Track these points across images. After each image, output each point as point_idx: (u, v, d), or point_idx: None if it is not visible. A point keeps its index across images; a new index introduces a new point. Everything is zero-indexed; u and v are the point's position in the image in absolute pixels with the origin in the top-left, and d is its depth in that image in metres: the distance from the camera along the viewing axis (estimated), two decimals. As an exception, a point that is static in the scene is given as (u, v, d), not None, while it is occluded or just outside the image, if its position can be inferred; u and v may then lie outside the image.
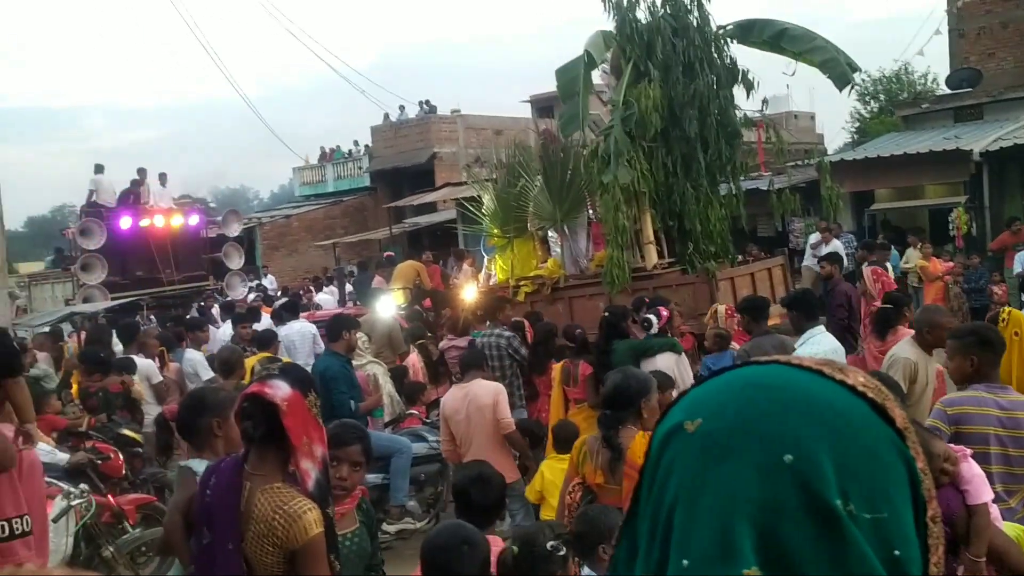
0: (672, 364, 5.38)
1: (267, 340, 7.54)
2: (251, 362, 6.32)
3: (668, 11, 10.07)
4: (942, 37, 19.55)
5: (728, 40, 10.38)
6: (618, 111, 9.51)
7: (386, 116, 29.76)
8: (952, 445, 2.98)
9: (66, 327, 11.50)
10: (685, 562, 0.68)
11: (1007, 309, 5.71)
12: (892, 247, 12.56)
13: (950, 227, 14.14)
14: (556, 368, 6.10)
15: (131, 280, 18.82)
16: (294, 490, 2.46)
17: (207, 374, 7.27)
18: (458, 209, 20.97)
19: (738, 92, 10.52)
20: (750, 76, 10.37)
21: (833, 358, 4.08)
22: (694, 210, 9.98)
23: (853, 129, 37.38)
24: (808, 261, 13.81)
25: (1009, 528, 2.82)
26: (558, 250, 10.71)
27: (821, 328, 5.29)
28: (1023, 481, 3.47)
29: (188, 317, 11.03)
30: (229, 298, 16.97)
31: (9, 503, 2.72)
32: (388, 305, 9.61)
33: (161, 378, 7.52)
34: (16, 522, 2.78)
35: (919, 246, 12.58)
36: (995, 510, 2.84)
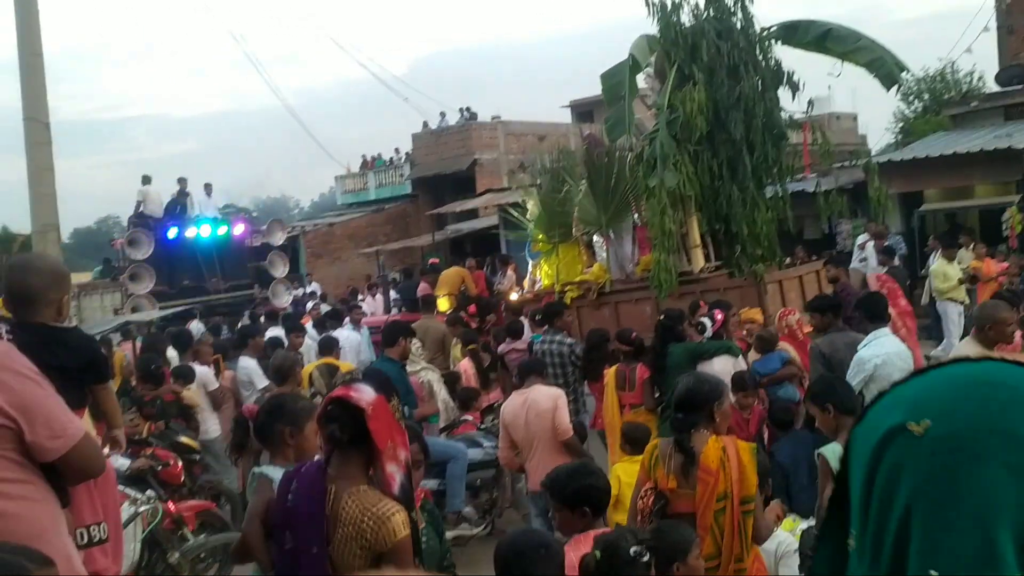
0: (730, 367, 5.35)
1: (329, 346, 7.63)
2: (310, 368, 6.40)
3: (712, 13, 10.02)
4: (989, 34, 19.22)
5: (772, 41, 10.30)
6: (663, 115, 9.47)
7: (425, 124, 29.97)
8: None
9: (115, 336, 11.76)
10: (934, 572, 0.67)
11: None
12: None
13: (1003, 227, 13.85)
14: (609, 373, 6.08)
15: (178, 289, 19.17)
16: (380, 492, 2.49)
17: (262, 382, 7.37)
18: (500, 215, 21.07)
19: (783, 94, 10.46)
20: (795, 78, 10.29)
21: (895, 360, 4.03)
22: (740, 213, 9.90)
23: (897, 130, 36.81)
24: (856, 263, 13.62)
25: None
26: (603, 255, 10.70)
27: (886, 330, 5.24)
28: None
29: (242, 325, 11.22)
30: (273, 306, 17.19)
31: (87, 510, 2.78)
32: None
33: (217, 385, 7.65)
34: (94, 529, 2.84)
35: (971, 246, 12.35)
36: None
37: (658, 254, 9.26)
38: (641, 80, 10.30)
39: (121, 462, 6.16)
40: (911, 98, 36.07)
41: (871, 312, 5.26)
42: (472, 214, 25.24)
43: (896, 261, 13.44)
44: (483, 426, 6.70)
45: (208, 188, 21.23)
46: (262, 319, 12.85)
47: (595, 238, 10.81)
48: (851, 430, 0.79)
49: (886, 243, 13.69)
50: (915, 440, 0.71)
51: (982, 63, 35.90)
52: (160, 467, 6.14)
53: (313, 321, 11.56)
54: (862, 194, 14.07)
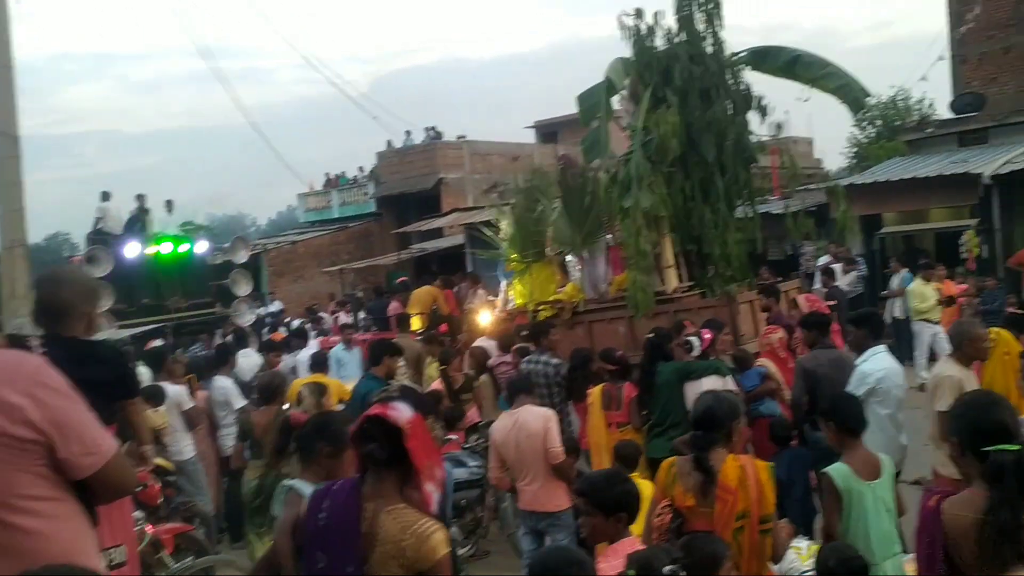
0: (719, 387, 5.40)
1: (320, 363, 7.55)
2: (298, 384, 6.33)
3: (684, 38, 10.20)
4: (942, 63, 19.83)
5: (742, 66, 10.52)
6: (638, 136, 9.59)
7: (389, 143, 29.94)
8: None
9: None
10: None
11: (995, 330, 5.86)
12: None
13: (961, 250, 14.24)
14: (595, 392, 6.10)
15: (137, 308, 18.77)
16: (418, 511, 2.48)
17: (239, 402, 7.26)
18: (468, 234, 21.08)
19: (751, 117, 10.66)
20: (763, 102, 10.51)
21: (893, 376, 4.14)
22: (713, 234, 10.04)
23: (851, 154, 37.75)
24: (818, 285, 13.90)
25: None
26: (577, 274, 10.76)
27: (883, 347, 5.36)
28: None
29: (220, 344, 11.05)
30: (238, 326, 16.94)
31: (106, 532, 2.69)
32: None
33: (191, 404, 7.51)
34: (113, 552, 2.76)
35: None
36: None
37: (634, 274, 9.32)
38: (615, 102, 10.44)
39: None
40: (865, 124, 37.07)
41: (871, 329, 5.40)
42: (437, 233, 25.25)
43: (841, 282, 13.78)
44: (467, 445, 6.67)
45: (169, 205, 20.90)
46: (228, 338, 12.68)
47: (569, 258, 10.86)
48: None
49: (833, 264, 14.10)
50: None
51: (934, 91, 37.03)
52: (138, 489, 6.01)
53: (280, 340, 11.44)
54: (823, 216, 14.41)
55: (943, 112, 22.05)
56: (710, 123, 9.91)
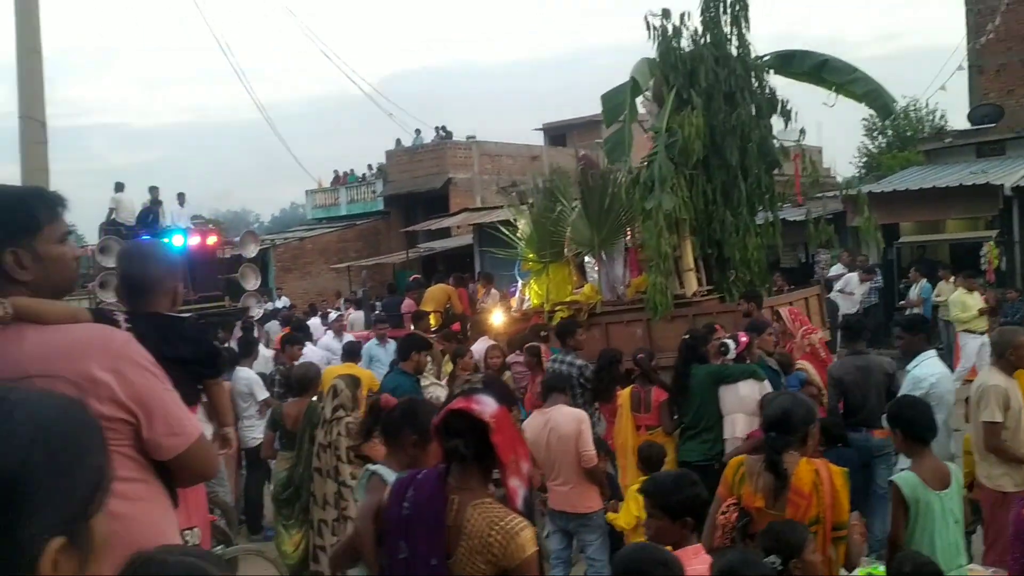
0: (756, 393, 5.30)
1: (352, 352, 7.47)
2: (333, 372, 6.23)
3: (709, 40, 10.12)
4: (960, 74, 19.74)
5: (767, 70, 10.43)
6: (662, 138, 9.50)
7: (398, 142, 29.86)
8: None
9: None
10: None
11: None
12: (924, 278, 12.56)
13: (981, 261, 14.14)
14: (624, 393, 6.00)
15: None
16: (505, 507, 2.39)
17: (262, 393, 7.17)
18: (477, 234, 21.00)
19: (774, 122, 10.57)
20: (788, 106, 10.42)
21: (945, 381, 4.04)
22: (733, 238, 9.96)
23: (861, 164, 37.68)
24: (834, 294, 13.79)
25: None
26: (595, 276, 10.66)
27: (933, 353, 5.27)
28: None
29: (244, 335, 10.98)
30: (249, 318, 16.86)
31: (181, 514, 2.56)
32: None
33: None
34: (187, 534, 2.64)
35: (951, 280, 12.54)
36: None
37: (654, 276, 9.24)
38: (639, 104, 10.35)
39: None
40: (875, 133, 36.99)
41: (923, 334, 5.33)
42: (445, 233, 25.17)
43: (856, 291, 13.67)
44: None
45: (181, 198, 20.85)
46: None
47: (587, 259, 10.77)
48: None
49: (848, 274, 13.98)
50: None
51: (949, 102, 36.97)
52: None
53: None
54: (839, 224, 14.30)
55: (956, 123, 21.99)
56: (734, 126, 9.83)
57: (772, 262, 14.65)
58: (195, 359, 2.77)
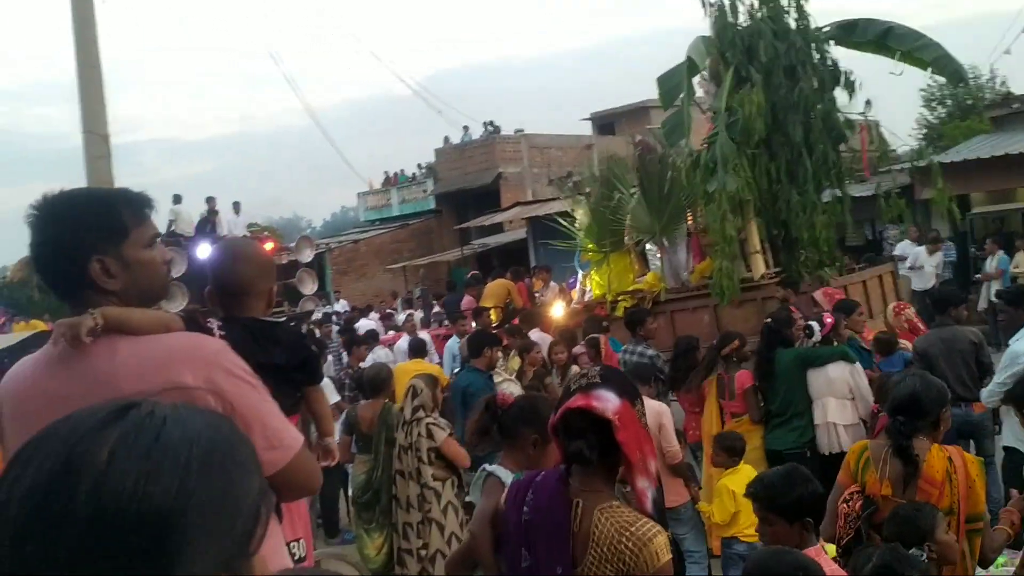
0: (846, 375, 5.06)
1: (419, 348, 7.41)
2: (408, 371, 6.14)
3: (766, 13, 9.80)
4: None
5: (828, 41, 10.07)
6: (722, 118, 9.23)
7: (447, 139, 29.85)
8: None
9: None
10: None
11: None
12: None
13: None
14: (711, 381, 5.78)
15: (211, 308, 18.98)
16: (635, 511, 2.22)
17: (334, 396, 7.13)
18: (531, 227, 20.86)
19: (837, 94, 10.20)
20: (852, 78, 10.04)
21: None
22: (800, 218, 9.64)
23: (920, 136, 36.50)
24: (904, 271, 13.31)
25: None
26: (657, 263, 10.44)
27: None
28: None
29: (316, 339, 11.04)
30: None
31: (287, 526, 2.45)
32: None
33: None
34: (293, 546, 2.52)
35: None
36: None
37: (720, 261, 8.99)
38: (695, 84, 10.08)
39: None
40: (934, 104, 35.79)
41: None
42: (497, 228, 25.06)
43: (927, 264, 13.16)
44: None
45: (236, 206, 21.16)
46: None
47: (648, 246, 10.54)
48: None
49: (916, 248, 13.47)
50: None
51: (1012, 66, 35.62)
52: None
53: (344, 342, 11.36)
54: (907, 199, 13.76)
55: (1019, 88, 21.10)
56: (796, 102, 9.50)
57: (838, 240, 14.22)
58: (292, 365, 2.58)
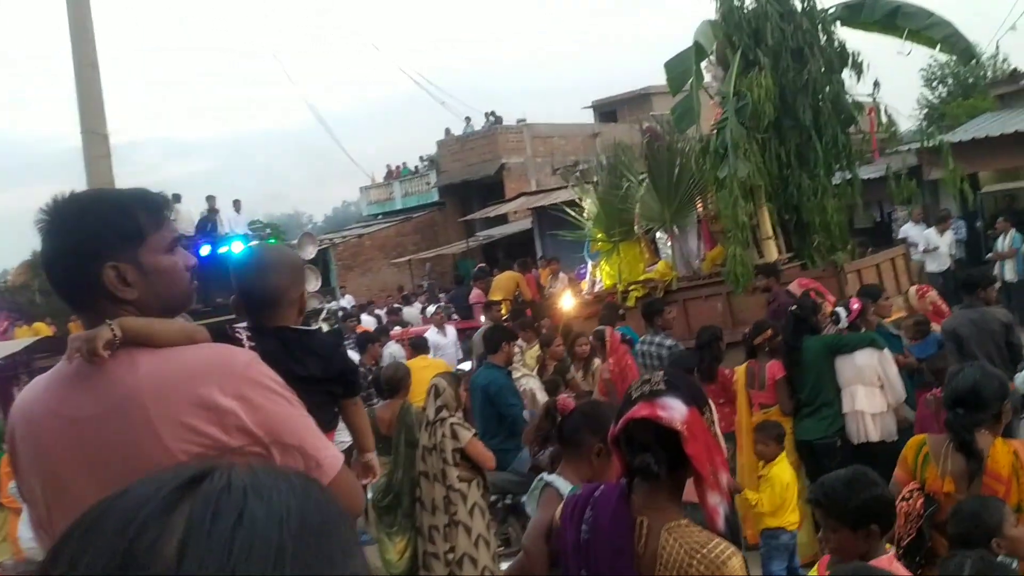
0: (875, 362, 4.94)
1: (422, 346, 7.31)
2: (425, 370, 6.01)
3: (772, -5, 9.65)
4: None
5: (835, 22, 9.93)
6: (730, 102, 9.10)
7: (448, 131, 29.64)
8: None
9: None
10: None
11: None
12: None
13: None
14: (740, 370, 5.66)
15: (213, 307, 18.88)
16: (706, 530, 2.05)
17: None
18: (536, 218, 20.72)
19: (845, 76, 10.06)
20: (859, 59, 9.90)
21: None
22: (812, 202, 9.52)
23: (922, 116, 36.22)
24: (917, 255, 13.16)
25: None
26: (668, 251, 10.33)
27: None
28: None
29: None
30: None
31: None
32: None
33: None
34: None
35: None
36: None
37: (732, 248, 8.87)
38: (703, 69, 9.94)
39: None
40: (934, 83, 35.52)
41: None
42: (502, 219, 24.91)
43: (941, 243, 13.00)
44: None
45: (237, 205, 21.01)
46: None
47: (658, 235, 10.43)
48: None
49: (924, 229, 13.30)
50: None
51: (1014, 44, 35.31)
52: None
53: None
54: (916, 180, 13.60)
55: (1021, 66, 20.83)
56: (805, 84, 9.38)
57: (847, 223, 14.05)
58: (328, 377, 2.44)
